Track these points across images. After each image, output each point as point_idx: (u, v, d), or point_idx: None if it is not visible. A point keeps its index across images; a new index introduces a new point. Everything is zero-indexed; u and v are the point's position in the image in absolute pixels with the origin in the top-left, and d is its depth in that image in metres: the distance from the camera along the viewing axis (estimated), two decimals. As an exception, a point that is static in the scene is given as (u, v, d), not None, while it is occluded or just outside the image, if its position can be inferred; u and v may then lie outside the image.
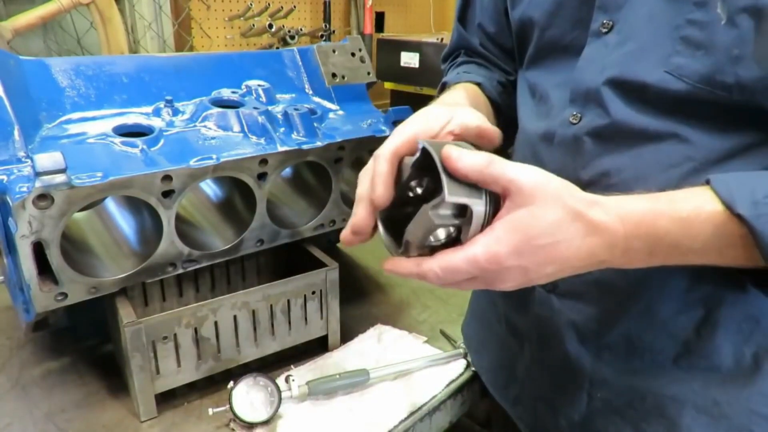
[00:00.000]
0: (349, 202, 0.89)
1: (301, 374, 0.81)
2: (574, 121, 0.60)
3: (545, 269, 0.48)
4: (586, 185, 0.56)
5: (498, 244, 0.46)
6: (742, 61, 0.48)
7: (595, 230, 0.47)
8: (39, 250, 0.63)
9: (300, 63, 0.97)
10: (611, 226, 0.47)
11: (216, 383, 0.82)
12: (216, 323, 0.77)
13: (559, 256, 0.47)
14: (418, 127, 0.56)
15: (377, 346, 0.91)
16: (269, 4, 2.05)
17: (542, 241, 0.46)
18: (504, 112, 0.78)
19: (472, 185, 0.47)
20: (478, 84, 0.77)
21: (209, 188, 0.90)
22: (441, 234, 0.51)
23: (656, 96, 0.54)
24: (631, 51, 0.55)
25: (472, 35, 0.84)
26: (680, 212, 0.47)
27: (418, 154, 0.51)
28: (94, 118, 0.76)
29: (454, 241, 0.50)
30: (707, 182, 0.49)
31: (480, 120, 0.59)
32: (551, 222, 0.46)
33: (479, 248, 0.47)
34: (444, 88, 0.80)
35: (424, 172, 0.53)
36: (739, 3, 0.48)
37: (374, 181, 0.52)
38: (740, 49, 0.48)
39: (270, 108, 0.83)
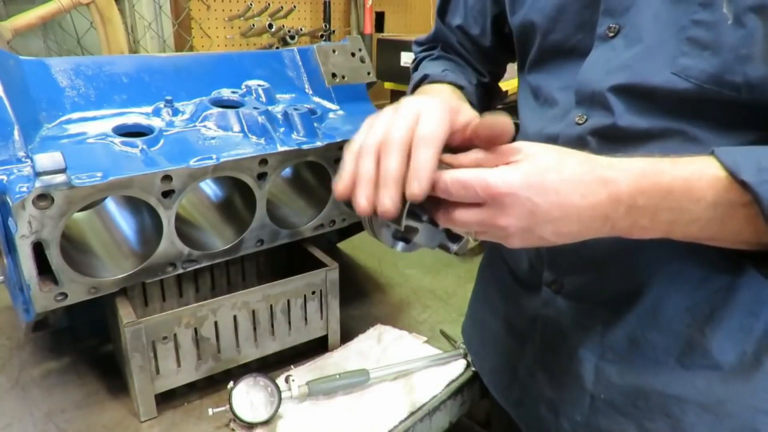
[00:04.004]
0: (349, 202, 0.89)
1: (301, 374, 0.81)
2: (580, 122, 0.60)
3: (552, 212, 0.47)
4: None
5: (512, 171, 0.47)
6: (750, 60, 0.48)
7: (601, 182, 0.47)
8: (39, 250, 0.63)
9: (300, 63, 0.97)
10: (615, 178, 0.47)
11: (216, 383, 0.82)
12: (216, 323, 0.77)
13: (565, 199, 0.47)
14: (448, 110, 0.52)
15: (377, 346, 0.91)
16: (269, 4, 2.05)
17: (553, 176, 0.47)
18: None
19: None
20: (462, 88, 0.77)
21: (209, 188, 0.90)
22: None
23: (663, 97, 0.54)
24: (637, 54, 0.55)
25: (450, 32, 0.84)
26: (682, 172, 0.47)
27: None
28: (94, 118, 0.76)
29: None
30: (711, 153, 0.48)
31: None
32: (565, 164, 0.47)
33: (492, 171, 0.47)
34: (425, 78, 0.78)
35: None
36: (746, 2, 0.48)
37: (419, 174, 0.47)
38: (748, 48, 0.48)
39: (270, 108, 0.83)
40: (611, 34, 0.58)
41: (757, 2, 0.47)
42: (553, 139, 0.63)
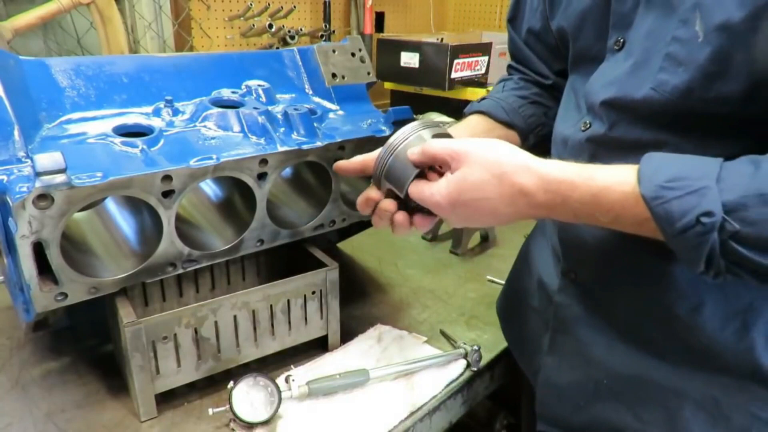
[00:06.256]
0: (349, 202, 0.89)
1: (301, 374, 0.81)
2: (584, 129, 0.64)
3: (481, 218, 0.59)
4: None
5: (438, 195, 0.59)
6: (720, 77, 0.50)
7: (519, 192, 0.55)
8: (39, 250, 0.63)
9: (300, 63, 0.97)
10: (533, 189, 0.54)
11: (216, 383, 0.82)
12: (216, 323, 0.77)
13: (487, 209, 0.57)
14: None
15: (377, 346, 0.91)
16: (269, 4, 2.05)
17: (469, 195, 0.57)
18: (521, 127, 0.84)
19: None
20: (482, 112, 0.85)
21: (209, 188, 0.90)
22: None
23: (645, 111, 0.56)
24: (626, 69, 0.58)
25: (518, 37, 0.87)
26: (592, 188, 0.52)
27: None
28: (94, 118, 0.76)
29: None
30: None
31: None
32: (476, 181, 0.56)
33: (426, 191, 0.61)
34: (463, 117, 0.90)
35: None
36: (714, 20, 0.49)
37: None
38: (716, 65, 0.50)
39: (270, 108, 0.83)
40: (617, 48, 0.60)
41: (722, 21, 0.48)
42: (564, 141, 0.67)
